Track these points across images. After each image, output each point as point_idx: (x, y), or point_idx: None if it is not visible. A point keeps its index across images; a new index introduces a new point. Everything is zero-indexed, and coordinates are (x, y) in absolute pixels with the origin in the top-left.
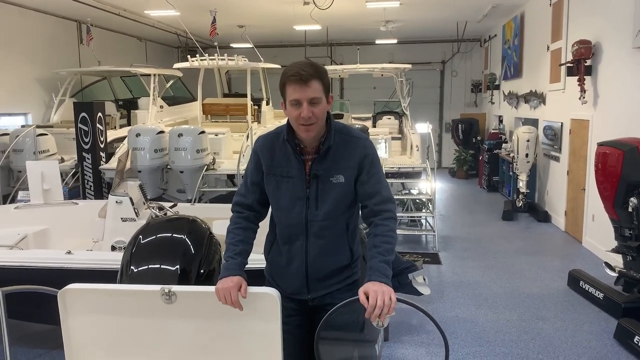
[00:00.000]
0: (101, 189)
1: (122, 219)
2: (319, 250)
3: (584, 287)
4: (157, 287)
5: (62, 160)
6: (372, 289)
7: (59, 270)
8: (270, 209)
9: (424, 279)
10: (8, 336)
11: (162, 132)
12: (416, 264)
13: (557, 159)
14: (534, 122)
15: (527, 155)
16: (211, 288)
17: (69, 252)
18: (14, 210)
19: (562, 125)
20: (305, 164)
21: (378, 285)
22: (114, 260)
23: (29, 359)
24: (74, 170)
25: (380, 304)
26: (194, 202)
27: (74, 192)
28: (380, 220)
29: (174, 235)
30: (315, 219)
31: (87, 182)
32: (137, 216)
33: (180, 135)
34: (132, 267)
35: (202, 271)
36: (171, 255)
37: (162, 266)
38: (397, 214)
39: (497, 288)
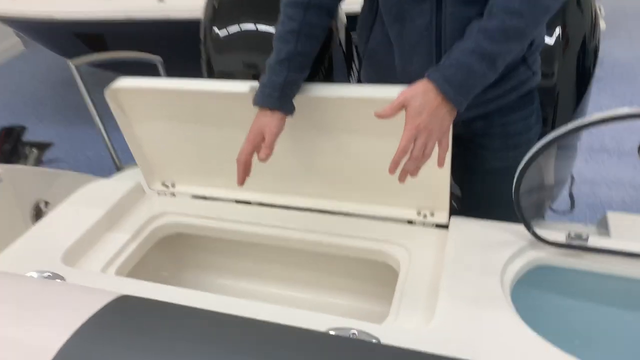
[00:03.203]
0: None
1: None
2: (464, 30)
3: None
4: (244, 87)
5: None
6: (412, 117)
7: (149, 21)
8: None
9: (600, 10)
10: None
11: None
12: None
13: None
14: None
15: None
16: (334, 88)
17: (162, 0)
18: None
19: None
20: None
21: (430, 109)
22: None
23: None
24: None
25: (416, 153)
26: None
27: None
28: None
29: None
30: None
31: None
32: None
33: None
34: (214, 29)
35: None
36: (275, 13)
37: (258, 29)
38: None
39: None
